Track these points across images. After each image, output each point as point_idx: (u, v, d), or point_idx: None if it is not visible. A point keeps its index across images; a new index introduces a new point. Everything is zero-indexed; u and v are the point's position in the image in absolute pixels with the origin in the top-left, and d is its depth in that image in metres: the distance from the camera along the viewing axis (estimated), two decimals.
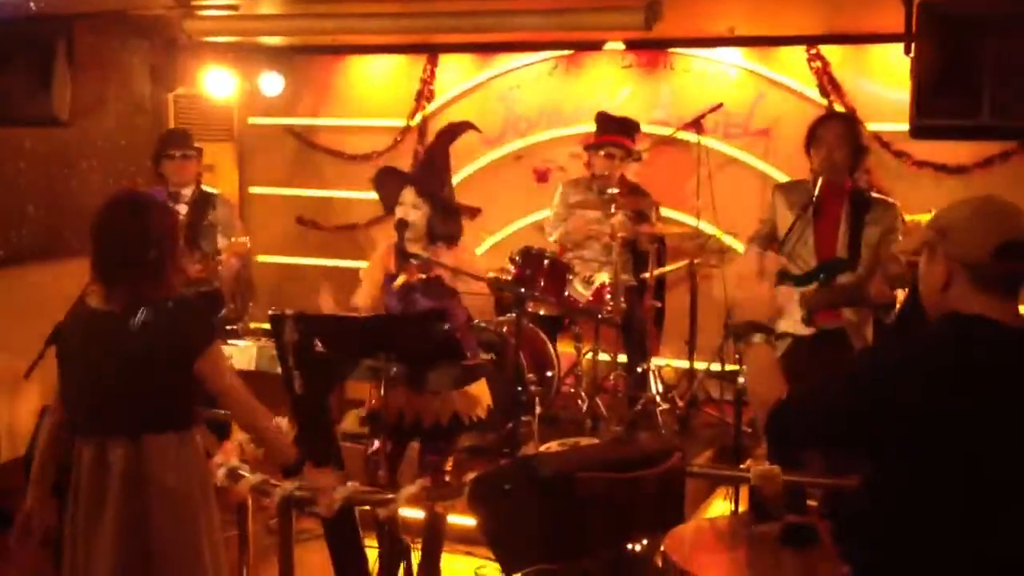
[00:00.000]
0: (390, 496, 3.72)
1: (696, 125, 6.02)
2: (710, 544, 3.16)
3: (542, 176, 7.00)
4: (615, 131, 5.93)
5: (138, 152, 6.68)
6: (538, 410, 5.27)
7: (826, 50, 6.31)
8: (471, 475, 3.78)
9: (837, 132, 4.38)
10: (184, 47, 6.40)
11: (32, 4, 4.74)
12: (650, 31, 4.75)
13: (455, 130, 4.82)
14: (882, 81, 6.18)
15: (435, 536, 4.07)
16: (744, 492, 4.20)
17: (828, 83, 6.29)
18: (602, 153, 5.85)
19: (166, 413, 3.07)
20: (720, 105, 6.12)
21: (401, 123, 7.25)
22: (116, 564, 2.97)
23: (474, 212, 4.84)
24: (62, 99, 5.07)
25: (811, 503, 4.04)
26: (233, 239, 5.46)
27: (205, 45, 6.40)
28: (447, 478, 4.26)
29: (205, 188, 5.69)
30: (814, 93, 6.34)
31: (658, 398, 5.72)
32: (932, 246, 2.31)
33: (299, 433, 4.23)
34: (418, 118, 7.24)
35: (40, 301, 5.42)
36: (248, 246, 5.53)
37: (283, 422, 4.41)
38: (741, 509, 4.08)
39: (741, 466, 4.25)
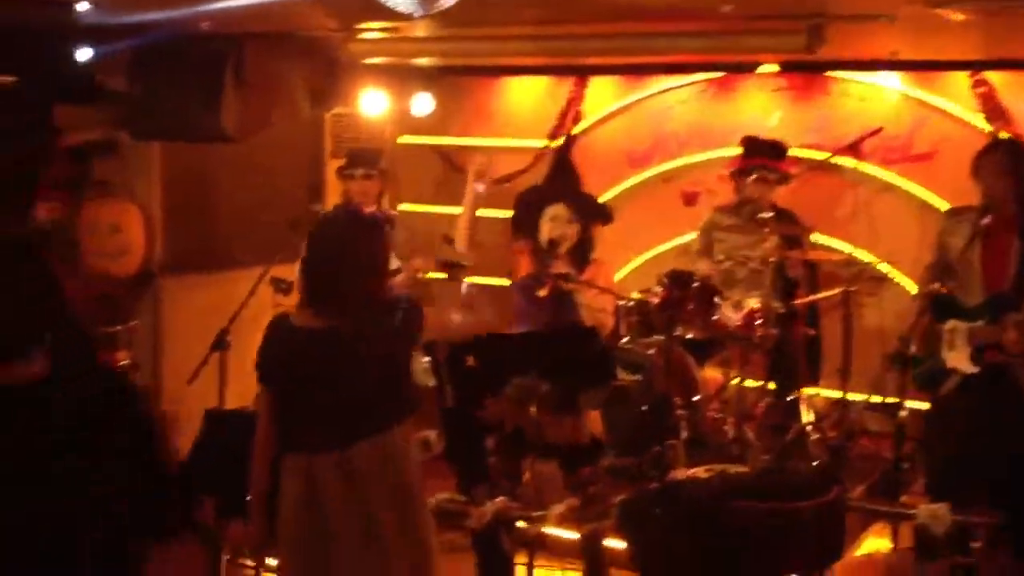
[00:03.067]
0: (539, 514, 3.74)
1: (854, 149, 5.86)
2: None
3: (690, 199, 6.92)
4: (765, 154, 5.84)
5: (296, 169, 6.91)
6: (683, 434, 5.19)
7: (990, 76, 6.08)
8: (619, 497, 3.76)
9: (998, 162, 4.23)
10: (343, 67, 6.57)
11: (204, 23, 4.95)
12: (812, 54, 4.65)
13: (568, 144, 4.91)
14: None
15: (598, 560, 4.04)
16: (904, 529, 4.06)
17: (994, 109, 6.04)
18: (754, 177, 5.77)
19: (394, 409, 3.18)
20: (880, 129, 5.95)
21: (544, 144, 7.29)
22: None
23: (608, 216, 4.86)
24: (230, 116, 5.29)
25: (974, 544, 3.87)
26: (413, 261, 5.53)
27: (362, 66, 6.56)
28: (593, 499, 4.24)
29: (386, 209, 5.77)
30: (977, 119, 6.11)
31: (809, 428, 5.57)
32: None
33: (448, 447, 4.30)
34: (563, 139, 7.26)
35: (204, 309, 5.65)
36: (427, 267, 5.60)
37: (432, 435, 4.48)
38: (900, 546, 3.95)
39: (901, 500, 4.11)
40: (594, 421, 4.51)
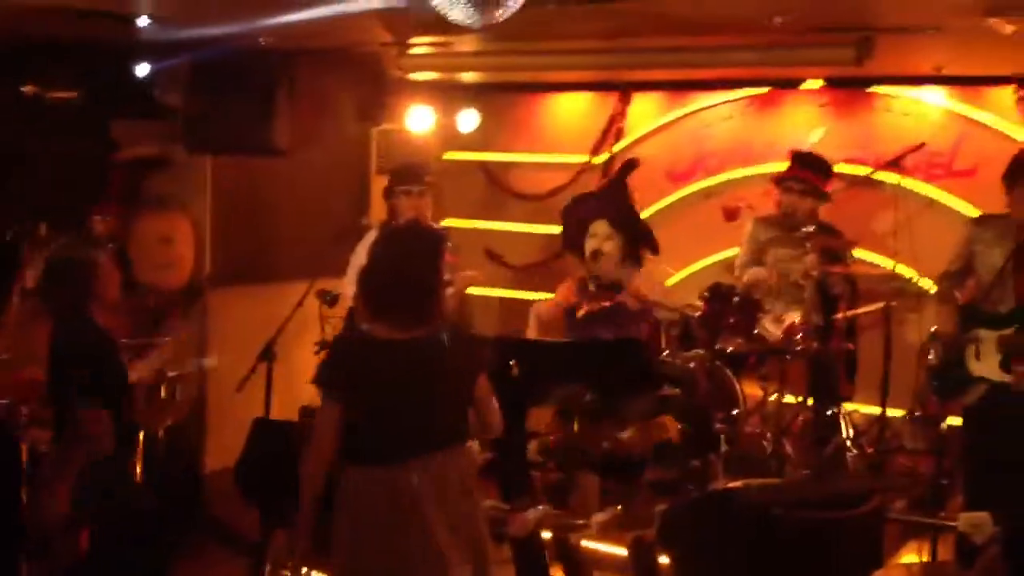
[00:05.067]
0: (582, 522, 3.78)
1: (896, 165, 5.88)
2: None
3: (731, 215, 6.92)
4: (804, 167, 5.88)
5: (342, 184, 7.03)
6: (723, 448, 5.22)
7: None
8: (661, 506, 3.80)
9: None
10: (390, 84, 6.68)
11: (261, 39, 5.07)
12: (860, 67, 4.68)
13: (630, 166, 5.01)
14: None
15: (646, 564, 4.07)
16: (942, 543, 4.07)
17: None
18: (789, 186, 5.81)
19: (458, 427, 3.26)
20: (922, 145, 5.96)
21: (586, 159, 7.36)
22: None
23: (655, 247, 4.92)
24: (283, 130, 5.42)
25: None
26: (464, 272, 5.67)
27: (409, 82, 6.67)
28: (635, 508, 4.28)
29: (432, 225, 5.86)
30: (1021, 134, 6.09)
31: (848, 443, 5.57)
32: None
33: (492, 457, 4.35)
34: (605, 156, 7.32)
35: (252, 320, 5.75)
36: (477, 279, 5.72)
37: (475, 446, 4.54)
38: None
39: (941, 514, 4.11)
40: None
